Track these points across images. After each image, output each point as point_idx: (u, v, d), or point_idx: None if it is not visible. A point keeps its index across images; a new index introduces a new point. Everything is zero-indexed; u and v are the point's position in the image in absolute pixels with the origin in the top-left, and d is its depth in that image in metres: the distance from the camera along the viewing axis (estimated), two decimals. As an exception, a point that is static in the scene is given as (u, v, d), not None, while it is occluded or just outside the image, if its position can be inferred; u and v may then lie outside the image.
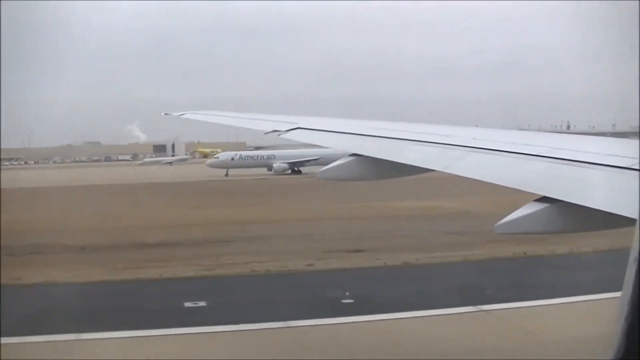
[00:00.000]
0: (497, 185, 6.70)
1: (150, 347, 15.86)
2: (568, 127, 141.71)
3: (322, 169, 9.83)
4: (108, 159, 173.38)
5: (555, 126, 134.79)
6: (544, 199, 5.83)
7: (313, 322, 17.64)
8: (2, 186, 50.24)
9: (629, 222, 4.53)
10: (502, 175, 6.91)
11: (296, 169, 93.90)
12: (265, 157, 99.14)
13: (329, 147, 12.15)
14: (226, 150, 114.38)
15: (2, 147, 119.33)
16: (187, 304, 19.67)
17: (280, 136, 12.26)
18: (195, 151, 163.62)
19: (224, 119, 16.29)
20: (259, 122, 14.25)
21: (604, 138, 8.94)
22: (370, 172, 9.33)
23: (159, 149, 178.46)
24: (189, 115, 17.18)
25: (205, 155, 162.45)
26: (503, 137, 8.61)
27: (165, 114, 19.07)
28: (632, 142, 7.46)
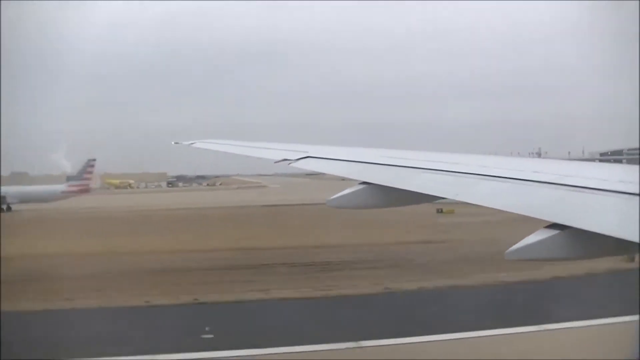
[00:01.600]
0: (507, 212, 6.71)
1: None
2: (539, 153, 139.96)
3: (331, 197, 9.81)
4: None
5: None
6: (554, 226, 5.83)
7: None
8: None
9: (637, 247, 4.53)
10: (512, 202, 6.91)
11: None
12: None
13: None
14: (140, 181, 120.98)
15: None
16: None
17: (291, 165, 12.33)
18: (105, 182, 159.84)
19: (233, 147, 16.38)
20: (269, 152, 14.34)
21: (613, 164, 8.94)
22: (379, 200, 9.33)
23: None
24: (199, 144, 17.31)
25: (116, 186, 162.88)
26: (512, 165, 8.64)
27: (176, 142, 19.19)
28: None
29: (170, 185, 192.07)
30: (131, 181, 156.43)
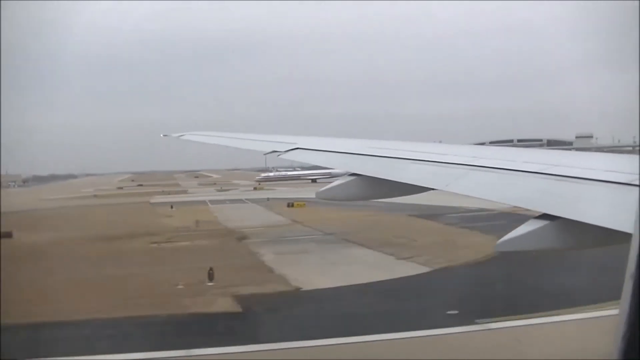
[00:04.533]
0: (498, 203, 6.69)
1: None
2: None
3: (321, 189, 9.75)
4: None
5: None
6: (544, 216, 5.82)
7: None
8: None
9: (629, 238, 4.51)
10: (502, 193, 6.90)
11: None
12: None
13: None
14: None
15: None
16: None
17: (280, 156, 12.27)
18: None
19: (223, 140, 16.31)
20: (258, 143, 14.28)
21: (602, 154, 8.96)
22: (369, 192, 9.29)
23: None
24: (188, 136, 17.21)
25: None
26: (503, 155, 8.62)
27: (164, 135, 19.09)
28: (631, 158, 7.47)
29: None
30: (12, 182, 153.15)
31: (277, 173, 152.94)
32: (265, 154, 13.15)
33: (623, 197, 5.35)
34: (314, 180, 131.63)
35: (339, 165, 10.62)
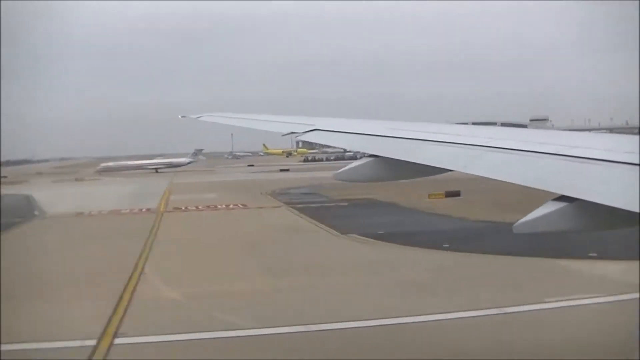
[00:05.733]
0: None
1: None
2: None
3: (338, 171, 9.86)
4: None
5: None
6: (562, 198, 5.90)
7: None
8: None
9: None
10: (520, 174, 6.97)
11: None
12: None
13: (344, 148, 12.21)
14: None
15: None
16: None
17: (298, 138, 12.38)
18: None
19: (240, 121, 16.42)
20: (276, 124, 14.38)
21: (620, 135, 8.93)
22: (387, 174, 9.38)
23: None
24: (205, 117, 17.35)
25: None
26: (519, 136, 8.68)
27: (182, 116, 19.22)
28: None
29: None
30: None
31: (117, 163, 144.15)
32: (283, 135, 13.26)
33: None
34: (156, 170, 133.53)
35: (359, 146, 10.70)
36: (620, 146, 6.72)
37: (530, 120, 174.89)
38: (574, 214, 5.74)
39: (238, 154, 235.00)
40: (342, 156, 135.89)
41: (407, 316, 19.01)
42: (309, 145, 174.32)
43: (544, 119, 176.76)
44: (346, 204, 54.18)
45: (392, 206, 51.68)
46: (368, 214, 47.31)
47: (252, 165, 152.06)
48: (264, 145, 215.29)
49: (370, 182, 10.10)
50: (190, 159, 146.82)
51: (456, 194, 54.88)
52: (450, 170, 8.15)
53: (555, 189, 6.08)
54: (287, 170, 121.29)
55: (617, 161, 6.00)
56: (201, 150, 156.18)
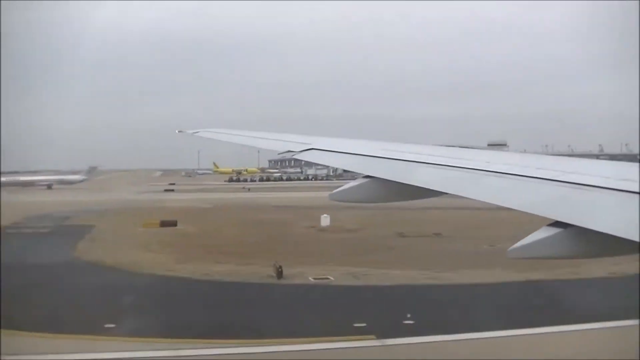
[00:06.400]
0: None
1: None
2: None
3: (334, 191, 9.77)
4: None
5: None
6: (556, 224, 5.84)
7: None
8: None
9: None
10: (516, 198, 6.92)
11: None
12: None
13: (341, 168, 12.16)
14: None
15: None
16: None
17: (295, 157, 12.33)
18: None
19: (237, 137, 16.33)
20: (273, 142, 14.31)
21: (616, 162, 8.84)
22: (382, 195, 9.31)
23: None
24: (202, 133, 17.27)
25: None
26: (516, 160, 8.63)
27: (179, 131, 19.11)
28: None
29: None
30: None
31: (7, 177, 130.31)
32: (279, 154, 13.19)
33: (638, 207, 5.36)
34: (49, 187, 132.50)
35: (355, 167, 10.64)
36: (617, 173, 6.67)
37: (488, 144, 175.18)
38: (569, 240, 5.67)
39: (199, 171, 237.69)
40: (298, 177, 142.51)
41: None
42: (298, 162, 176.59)
43: (502, 144, 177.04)
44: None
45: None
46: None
47: (173, 184, 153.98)
48: (214, 163, 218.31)
49: (366, 203, 10.02)
50: (83, 177, 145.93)
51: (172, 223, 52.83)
52: (446, 193, 8.09)
53: (551, 215, 6.02)
54: (172, 190, 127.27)
55: (613, 188, 5.95)
56: (95, 167, 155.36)
